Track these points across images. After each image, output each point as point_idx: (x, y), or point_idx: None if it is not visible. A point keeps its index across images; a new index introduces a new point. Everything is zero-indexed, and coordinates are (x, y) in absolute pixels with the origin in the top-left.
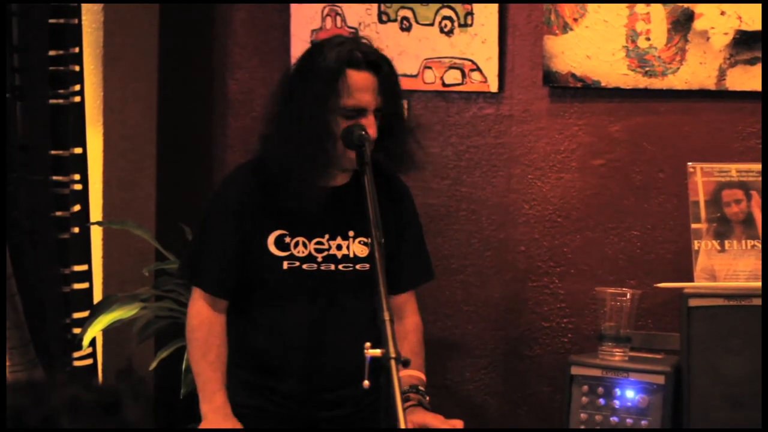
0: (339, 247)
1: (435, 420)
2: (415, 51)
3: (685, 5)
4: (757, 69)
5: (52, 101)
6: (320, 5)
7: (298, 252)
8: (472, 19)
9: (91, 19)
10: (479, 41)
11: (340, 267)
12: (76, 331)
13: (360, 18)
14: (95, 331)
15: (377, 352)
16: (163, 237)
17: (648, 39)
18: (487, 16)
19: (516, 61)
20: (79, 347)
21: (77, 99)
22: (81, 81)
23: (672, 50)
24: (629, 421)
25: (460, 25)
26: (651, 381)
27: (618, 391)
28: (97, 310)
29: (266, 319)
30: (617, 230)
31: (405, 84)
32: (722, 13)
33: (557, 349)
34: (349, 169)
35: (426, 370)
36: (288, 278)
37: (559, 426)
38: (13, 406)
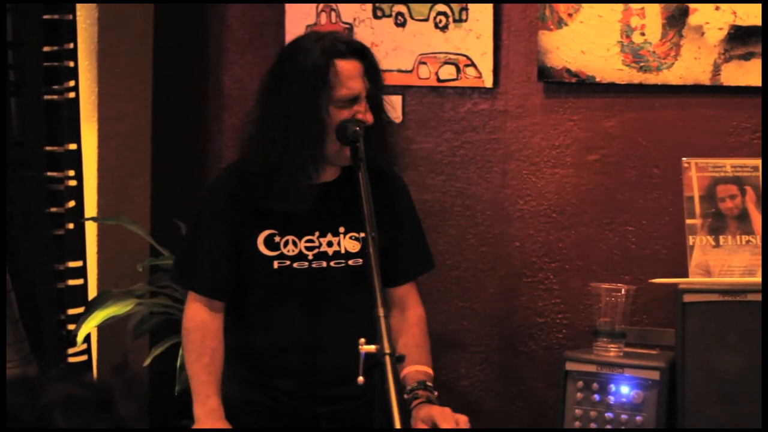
0: (330, 244)
1: (442, 414)
2: (409, 46)
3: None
4: (752, 64)
5: (46, 97)
6: (314, 4)
7: (288, 251)
8: (467, 15)
9: (85, 14)
10: (474, 36)
11: (332, 264)
12: (71, 327)
13: (355, 14)
14: (90, 327)
15: (372, 348)
16: (157, 233)
17: (643, 34)
18: (481, 12)
19: (511, 56)
20: (74, 343)
21: (72, 95)
22: (76, 77)
23: (667, 45)
24: (624, 416)
25: (454, 21)
26: (646, 377)
27: (613, 387)
28: (91, 306)
29: (261, 318)
30: (612, 226)
31: (400, 79)
32: (717, 9)
33: (552, 344)
34: (343, 165)
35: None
36: (279, 278)
37: (553, 421)
38: (7, 402)
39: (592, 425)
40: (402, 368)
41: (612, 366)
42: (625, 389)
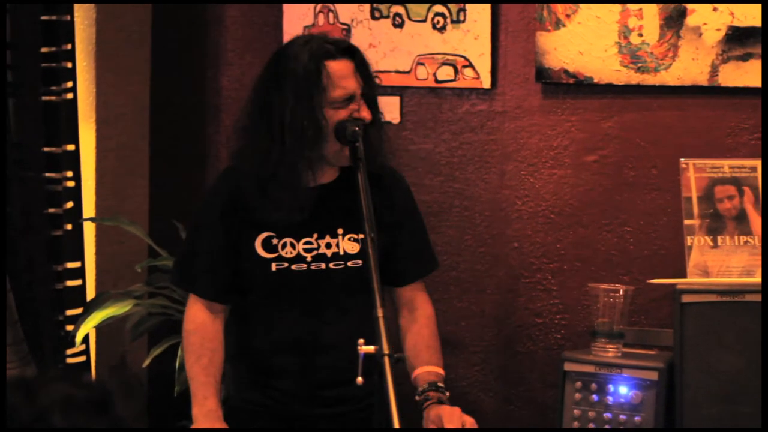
0: (328, 246)
1: (450, 413)
2: (407, 47)
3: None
4: (750, 65)
5: (44, 98)
6: (312, 4)
7: (286, 253)
8: (465, 16)
9: (83, 15)
10: (472, 37)
11: (331, 265)
12: (70, 328)
13: (352, 14)
14: (88, 327)
15: (370, 348)
16: (156, 234)
17: (640, 35)
18: (479, 12)
19: (508, 57)
20: (73, 344)
21: (70, 96)
22: (74, 78)
23: (664, 46)
24: (622, 417)
25: (452, 22)
26: (644, 377)
27: (611, 387)
28: (90, 307)
29: (261, 320)
30: (610, 226)
31: (398, 80)
32: (714, 9)
33: (550, 345)
34: (342, 165)
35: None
36: (277, 280)
37: (551, 422)
38: (6, 403)
39: (591, 425)
40: (413, 369)
41: (610, 366)
42: (623, 389)
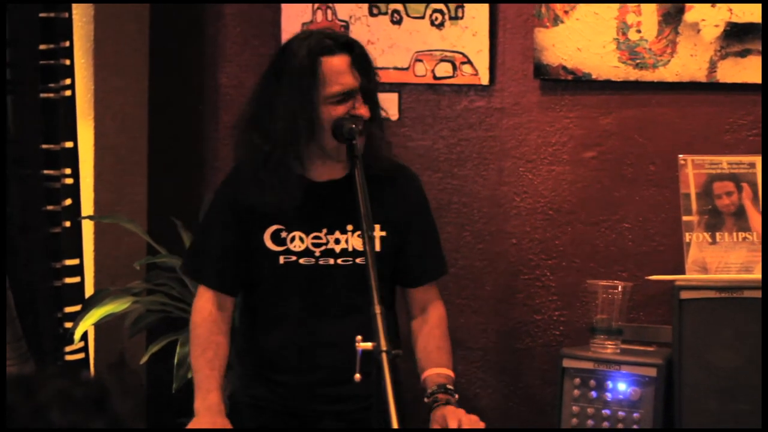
0: (337, 241)
1: (453, 412)
2: (405, 44)
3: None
4: (748, 61)
5: (42, 95)
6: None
7: (295, 246)
8: (463, 12)
9: (81, 13)
10: (470, 34)
11: (339, 261)
12: (68, 325)
13: (351, 11)
14: (87, 325)
15: (368, 345)
16: (154, 231)
17: (639, 31)
18: (477, 9)
19: (507, 53)
20: (71, 341)
21: (68, 93)
22: (72, 75)
23: (663, 42)
24: (621, 413)
25: (450, 18)
26: (643, 373)
27: (610, 384)
28: (88, 304)
29: (267, 313)
30: (609, 223)
31: (396, 77)
32: (713, 6)
33: (549, 341)
34: (346, 160)
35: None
36: (285, 273)
37: (550, 418)
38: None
39: (589, 422)
40: (423, 371)
41: (609, 363)
42: (622, 386)
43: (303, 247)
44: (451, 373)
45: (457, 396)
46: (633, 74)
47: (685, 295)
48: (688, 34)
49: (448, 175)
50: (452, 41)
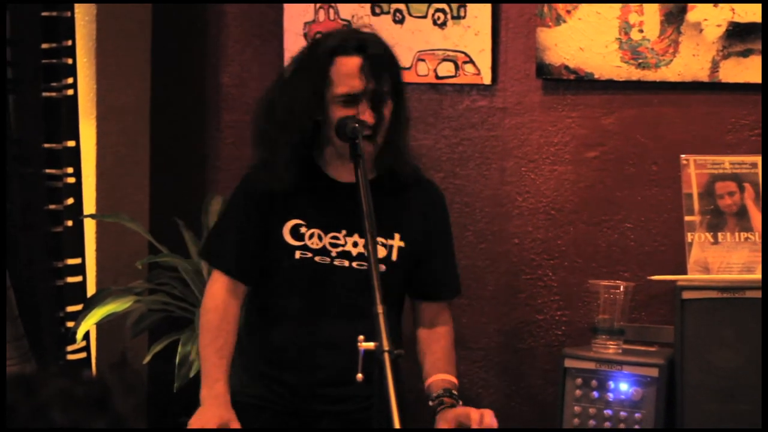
0: (355, 245)
1: (475, 412)
2: (408, 43)
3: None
4: (750, 61)
5: (45, 94)
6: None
7: (312, 243)
8: (465, 12)
9: (84, 12)
10: (472, 33)
11: (354, 264)
12: (70, 324)
13: (353, 11)
14: (89, 324)
15: (371, 345)
16: (156, 230)
17: (641, 31)
18: (480, 9)
19: (509, 53)
20: (73, 341)
21: (70, 92)
22: (74, 74)
23: (665, 42)
24: (623, 413)
25: (453, 18)
26: (644, 374)
27: (611, 384)
28: (90, 304)
29: (276, 308)
30: (611, 223)
31: None
32: (715, 5)
33: (551, 341)
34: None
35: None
36: (299, 268)
37: (552, 419)
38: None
39: (591, 422)
40: (427, 377)
41: (611, 363)
42: (623, 386)
43: (320, 245)
44: (455, 380)
45: (461, 402)
46: (635, 74)
47: (687, 295)
48: (690, 34)
49: (450, 174)
50: (454, 41)
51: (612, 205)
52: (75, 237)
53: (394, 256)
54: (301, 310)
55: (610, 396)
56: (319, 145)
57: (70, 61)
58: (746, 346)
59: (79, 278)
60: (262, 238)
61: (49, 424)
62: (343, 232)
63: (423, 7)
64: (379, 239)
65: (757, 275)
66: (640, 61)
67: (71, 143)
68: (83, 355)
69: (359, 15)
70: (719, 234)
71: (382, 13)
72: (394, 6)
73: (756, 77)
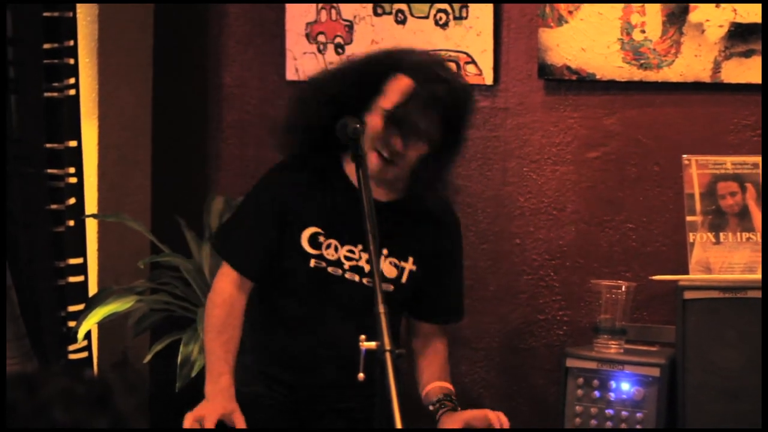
0: (369, 261)
1: (493, 414)
2: (410, 43)
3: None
4: (752, 61)
5: (46, 94)
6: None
7: (329, 254)
8: (467, 12)
9: (85, 12)
10: (474, 34)
11: (365, 281)
12: (72, 324)
13: (355, 11)
14: (90, 324)
15: (372, 344)
16: (158, 230)
17: (643, 31)
18: (482, 9)
19: (511, 53)
20: (75, 340)
21: (72, 92)
22: (76, 74)
23: (667, 43)
24: (624, 413)
25: (455, 18)
26: (646, 373)
27: (613, 384)
28: (92, 303)
29: (281, 310)
30: (612, 223)
31: None
32: (717, 6)
33: (552, 341)
34: (384, 181)
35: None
36: (311, 275)
37: (553, 418)
38: (6, 398)
39: (593, 422)
40: (425, 385)
41: (612, 363)
42: (625, 386)
43: (336, 256)
44: (453, 388)
45: (459, 408)
46: (637, 74)
47: (688, 295)
48: (692, 35)
49: (452, 174)
50: (456, 41)
51: (614, 206)
52: (77, 237)
53: (404, 279)
54: (305, 315)
55: (612, 396)
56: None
57: (71, 61)
58: (748, 346)
59: (80, 278)
60: (277, 240)
61: (50, 424)
62: (359, 247)
63: (425, 7)
64: (393, 260)
65: (759, 275)
66: (642, 61)
67: (73, 143)
68: (85, 354)
69: (361, 15)
70: (721, 234)
71: (384, 13)
72: (396, 6)
73: (758, 78)
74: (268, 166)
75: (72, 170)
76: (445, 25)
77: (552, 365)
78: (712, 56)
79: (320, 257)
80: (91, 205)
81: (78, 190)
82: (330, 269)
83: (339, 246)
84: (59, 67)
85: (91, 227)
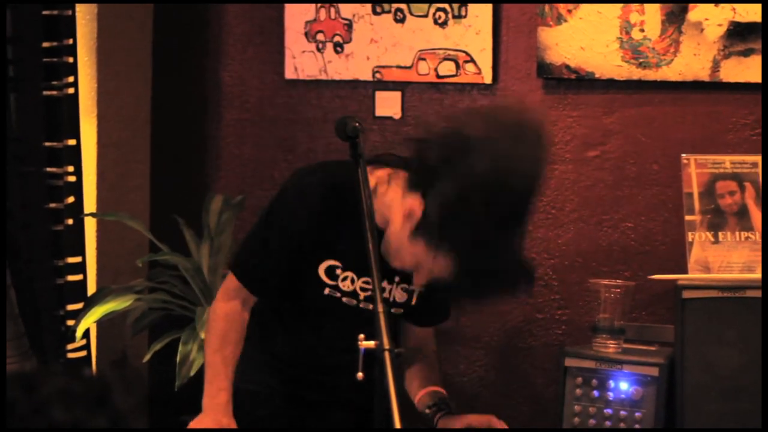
0: (383, 290)
1: (497, 420)
2: (409, 42)
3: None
4: (751, 60)
5: (45, 93)
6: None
7: (345, 286)
8: (466, 11)
9: (84, 11)
10: (473, 32)
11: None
12: (70, 323)
13: (354, 10)
14: (89, 322)
15: (371, 344)
16: (156, 229)
17: (642, 30)
18: (481, 8)
19: (510, 52)
20: (73, 339)
21: (71, 90)
22: (75, 72)
23: (666, 42)
24: (623, 413)
25: (454, 17)
26: (645, 373)
27: (612, 383)
28: (91, 302)
29: (292, 330)
30: (611, 222)
31: (399, 75)
32: (716, 5)
33: (551, 340)
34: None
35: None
36: (324, 302)
37: (552, 418)
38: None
39: (591, 421)
40: (420, 388)
41: (611, 362)
42: (624, 385)
43: (351, 288)
44: (446, 394)
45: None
46: (636, 73)
47: (687, 294)
48: (691, 34)
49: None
50: (455, 40)
51: (612, 205)
52: (75, 235)
53: (413, 301)
54: (318, 340)
55: (611, 395)
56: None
57: (71, 59)
58: (746, 346)
59: (79, 276)
60: (293, 266)
61: (49, 423)
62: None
63: (424, 6)
64: (404, 285)
65: (758, 275)
66: (641, 60)
67: (72, 142)
68: (83, 353)
69: (360, 14)
70: (720, 233)
71: (383, 12)
72: (395, 5)
73: (757, 77)
74: (266, 165)
75: (71, 169)
76: (444, 24)
77: (550, 364)
78: (711, 55)
79: (335, 287)
80: (89, 203)
81: (77, 188)
82: (345, 299)
83: (356, 278)
84: (58, 65)
85: (90, 226)
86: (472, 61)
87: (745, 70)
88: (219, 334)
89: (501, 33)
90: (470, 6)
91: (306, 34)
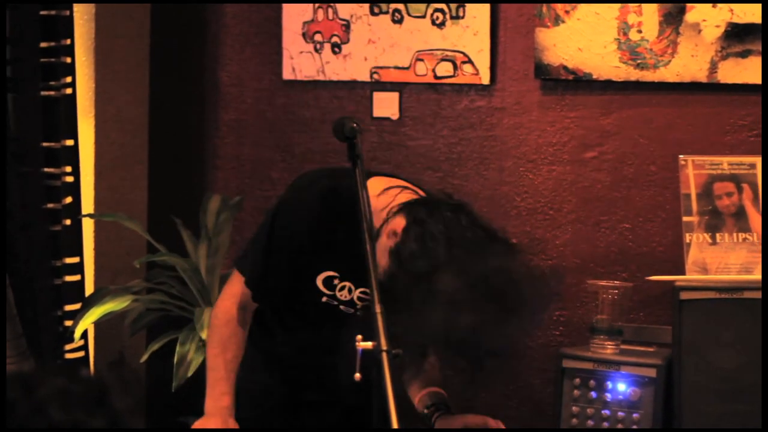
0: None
1: (494, 421)
2: (406, 43)
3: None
4: (749, 62)
5: (43, 93)
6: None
7: (342, 295)
8: (464, 12)
9: (82, 11)
10: (471, 33)
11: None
12: (68, 323)
13: (352, 10)
14: (87, 323)
15: (368, 345)
16: (154, 229)
17: (640, 31)
18: (478, 9)
19: (508, 53)
20: (71, 339)
21: (69, 91)
22: (72, 73)
23: (664, 43)
24: (621, 414)
25: (451, 18)
26: (643, 374)
27: (609, 384)
28: (88, 303)
29: (292, 330)
30: (609, 223)
31: (396, 76)
32: (714, 6)
33: (549, 341)
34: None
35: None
36: (321, 310)
37: (550, 419)
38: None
39: (589, 422)
40: (419, 389)
41: (609, 363)
42: (621, 386)
43: (349, 297)
44: (445, 395)
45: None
46: (634, 74)
47: (685, 295)
48: (689, 35)
49: (449, 174)
50: (453, 41)
51: (610, 206)
52: (73, 236)
53: None
54: (316, 345)
55: (608, 396)
56: None
57: (68, 59)
58: (744, 347)
59: (77, 277)
60: (292, 273)
61: (47, 423)
62: None
63: (422, 6)
64: None
65: (755, 276)
66: (639, 61)
67: (70, 142)
68: (81, 353)
69: (358, 15)
70: (717, 235)
71: (381, 12)
72: (393, 6)
73: (755, 78)
74: (264, 165)
75: (69, 169)
76: (441, 25)
77: (548, 365)
78: (708, 56)
79: (333, 297)
80: (87, 204)
81: (74, 189)
82: (342, 308)
83: (353, 288)
84: (56, 65)
85: (88, 226)
86: (470, 61)
87: (742, 71)
88: (221, 338)
89: (499, 34)
90: (468, 7)
91: (304, 35)
